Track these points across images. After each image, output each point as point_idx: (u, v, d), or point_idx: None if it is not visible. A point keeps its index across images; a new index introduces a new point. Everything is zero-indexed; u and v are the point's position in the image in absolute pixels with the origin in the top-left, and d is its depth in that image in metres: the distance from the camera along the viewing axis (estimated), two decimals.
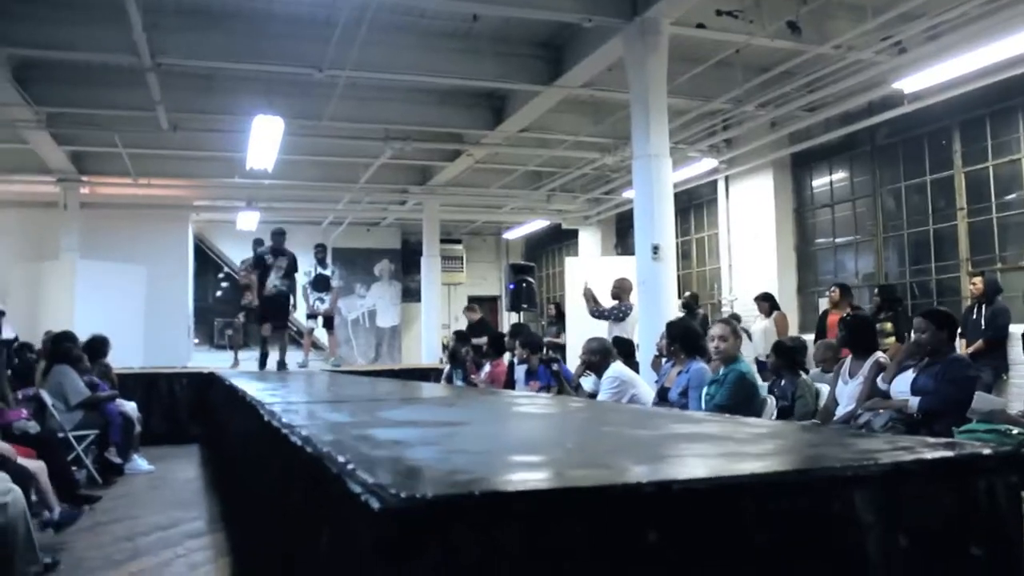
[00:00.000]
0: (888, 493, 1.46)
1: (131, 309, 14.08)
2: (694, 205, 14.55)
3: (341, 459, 1.52)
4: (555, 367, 7.40)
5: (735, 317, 10.15)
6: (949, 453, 1.64)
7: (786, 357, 6.49)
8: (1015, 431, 4.46)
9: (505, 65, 9.88)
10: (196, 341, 18.37)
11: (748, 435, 2.22)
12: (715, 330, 5.70)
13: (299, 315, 12.99)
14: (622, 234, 17.21)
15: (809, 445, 2.07)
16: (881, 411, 5.30)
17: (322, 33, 8.88)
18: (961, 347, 7.93)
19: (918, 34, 8.72)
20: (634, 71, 8.39)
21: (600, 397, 6.59)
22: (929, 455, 1.61)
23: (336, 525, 1.56)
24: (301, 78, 9.92)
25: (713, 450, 1.93)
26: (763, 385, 6.36)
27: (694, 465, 1.77)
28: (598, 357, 6.81)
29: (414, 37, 9.43)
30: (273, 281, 11.35)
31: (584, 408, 3.82)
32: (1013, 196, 9.41)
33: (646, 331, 8.01)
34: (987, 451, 1.63)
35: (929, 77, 8.79)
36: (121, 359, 9.94)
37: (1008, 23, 7.75)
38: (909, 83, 9.06)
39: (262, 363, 11.48)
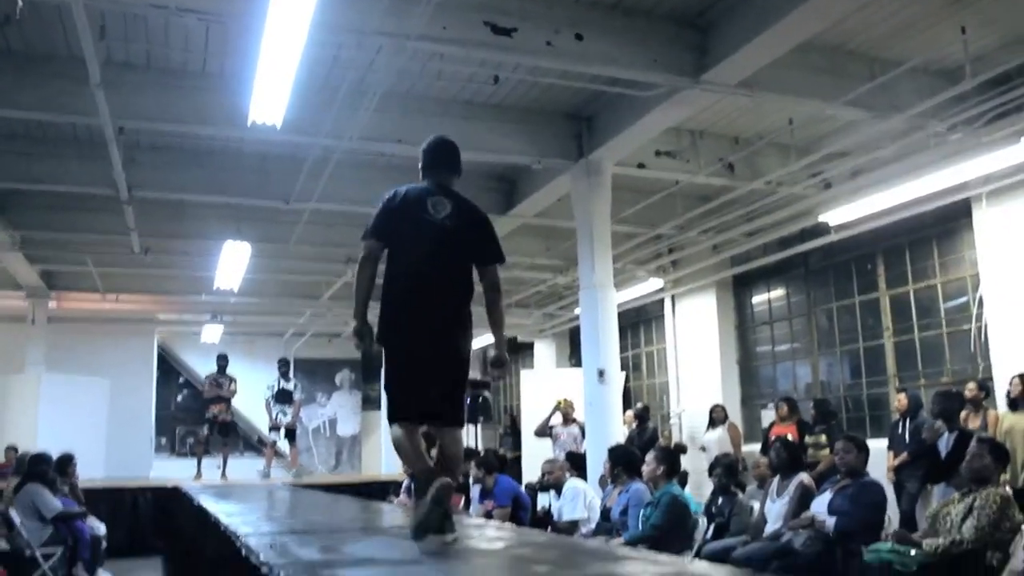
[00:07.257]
0: None
1: (94, 421, 14.19)
2: (643, 321, 15.11)
3: None
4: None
5: (679, 446, 10.86)
6: None
7: (725, 477, 7.06)
8: (912, 552, 4.99)
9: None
10: (159, 445, 18.48)
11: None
12: (647, 457, 6.32)
13: (263, 426, 13.54)
14: (576, 346, 17.42)
15: None
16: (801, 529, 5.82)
17: (290, 168, 9.43)
18: (889, 459, 8.50)
19: (842, 172, 9.54)
20: (580, 207, 9.03)
21: (563, 504, 7.52)
22: None
23: None
24: (269, 207, 10.42)
25: None
26: (699, 503, 6.92)
27: None
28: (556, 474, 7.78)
29: (377, 172, 9.96)
30: None
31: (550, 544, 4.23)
32: (930, 319, 10.15)
33: (594, 448, 8.49)
34: None
35: (852, 210, 9.40)
36: (83, 471, 10.02)
37: (918, 166, 8.53)
38: (835, 215, 9.65)
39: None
